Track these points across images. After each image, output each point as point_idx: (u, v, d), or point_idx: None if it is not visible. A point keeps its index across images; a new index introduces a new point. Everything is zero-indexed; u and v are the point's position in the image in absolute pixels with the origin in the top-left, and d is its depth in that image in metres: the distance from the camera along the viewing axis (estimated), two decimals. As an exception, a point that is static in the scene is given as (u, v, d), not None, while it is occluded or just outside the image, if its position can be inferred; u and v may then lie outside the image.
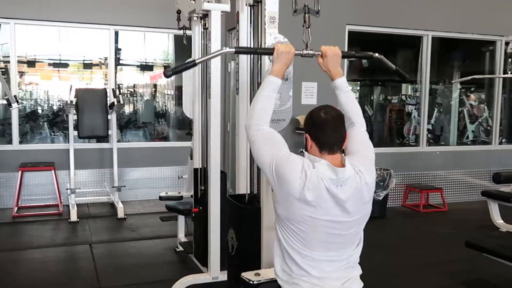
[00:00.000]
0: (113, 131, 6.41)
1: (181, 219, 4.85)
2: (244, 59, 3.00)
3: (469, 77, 6.28)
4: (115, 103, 6.08)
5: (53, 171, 6.25)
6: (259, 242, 2.77)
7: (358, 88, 10.08)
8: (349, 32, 6.62)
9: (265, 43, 2.64)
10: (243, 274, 2.38)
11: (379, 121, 9.70)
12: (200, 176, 4.13)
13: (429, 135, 7.97)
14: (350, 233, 2.00)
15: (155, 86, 11.80)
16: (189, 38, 4.33)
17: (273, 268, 2.47)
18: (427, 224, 6.18)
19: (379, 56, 2.52)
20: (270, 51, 2.25)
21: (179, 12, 4.24)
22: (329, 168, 1.92)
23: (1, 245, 4.98)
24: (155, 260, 4.64)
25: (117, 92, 6.17)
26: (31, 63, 8.67)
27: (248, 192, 3.26)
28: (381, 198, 6.08)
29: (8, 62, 6.66)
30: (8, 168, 6.35)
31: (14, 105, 5.23)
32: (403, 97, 9.87)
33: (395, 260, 4.72)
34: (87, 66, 10.59)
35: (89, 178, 6.77)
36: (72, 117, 6.22)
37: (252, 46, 2.97)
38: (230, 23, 3.59)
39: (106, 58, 9.20)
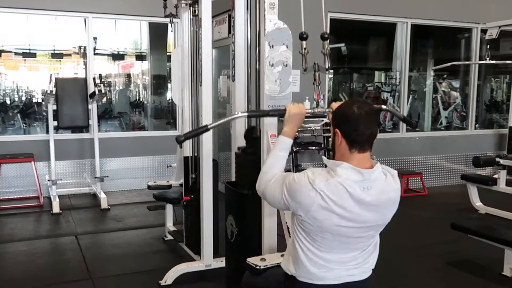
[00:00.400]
0: (94, 121, 6.30)
1: (169, 208, 4.82)
2: (242, 45, 2.98)
3: (449, 64, 6.42)
4: (96, 92, 5.96)
5: (32, 162, 6.12)
6: (260, 228, 2.78)
7: (335, 75, 10.15)
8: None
9: (264, 29, 2.63)
10: (248, 259, 2.39)
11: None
12: (191, 165, 4.10)
13: (405, 122, 8.11)
14: (367, 236, 1.98)
15: (128, 75, 11.64)
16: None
17: (277, 253, 2.50)
18: (409, 208, 6.29)
19: (387, 108, 2.55)
20: (281, 113, 2.26)
21: (165, -2, 4.18)
22: (352, 170, 1.85)
23: (-18, 239, 4.87)
24: (144, 249, 4.60)
25: (98, 81, 6.05)
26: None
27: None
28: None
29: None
30: (-15, 160, 6.19)
31: None
32: (379, 85, 10.00)
33: (379, 245, 4.80)
34: (57, 55, 10.36)
35: (69, 169, 6.65)
36: (51, 107, 6.07)
37: (249, 33, 2.96)
38: (214, 9, 3.55)
39: (80, 47, 9.04)
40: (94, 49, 7.51)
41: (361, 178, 1.85)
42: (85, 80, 6.44)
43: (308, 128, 5.86)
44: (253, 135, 2.94)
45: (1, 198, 6.15)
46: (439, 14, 7.36)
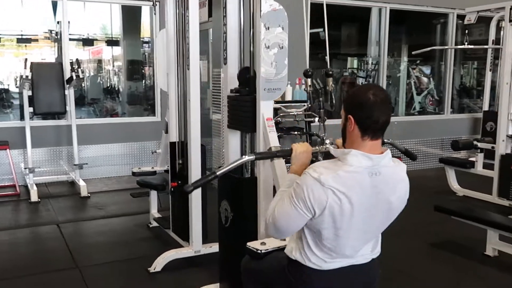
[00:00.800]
0: (72, 107, 6.14)
1: (153, 194, 4.75)
2: (234, 27, 2.93)
3: (429, 48, 6.49)
4: (74, 77, 5.80)
5: (8, 150, 5.94)
6: (256, 212, 2.76)
7: (313, 61, 10.13)
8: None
9: (260, 10, 2.58)
10: (248, 244, 2.36)
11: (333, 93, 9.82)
12: (178, 150, 4.04)
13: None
14: (381, 224, 1.97)
15: (100, 61, 11.39)
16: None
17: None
18: (389, 191, 6.39)
19: (389, 141, 2.58)
20: (288, 153, 2.25)
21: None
22: (362, 157, 1.82)
23: (-41, 229, 4.71)
24: (129, 237, 4.54)
25: (76, 66, 5.88)
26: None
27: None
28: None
29: None
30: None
31: None
32: (355, 70, 10.06)
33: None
34: (24, 40, 10.05)
35: (46, 156, 6.48)
36: (26, 93, 5.88)
37: (242, 16, 2.91)
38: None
39: (51, 32, 8.78)
40: (59, 34, 7.29)
41: (371, 164, 1.84)
42: (61, 65, 6.25)
43: (290, 113, 5.84)
44: (247, 76, 2.86)
45: (-25, 187, 5.96)
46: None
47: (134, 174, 4.68)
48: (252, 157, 2.38)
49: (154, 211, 4.78)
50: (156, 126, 6.84)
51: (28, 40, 10.14)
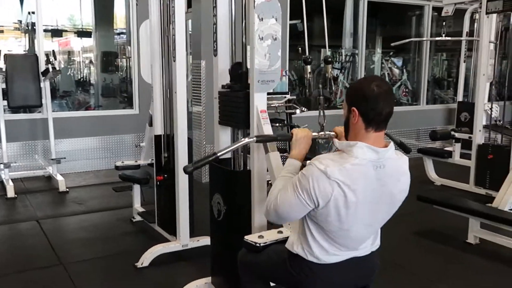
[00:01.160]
0: (48, 100, 5.97)
1: (137, 188, 4.68)
2: (225, 17, 2.89)
3: (407, 40, 6.56)
4: (50, 69, 5.64)
5: (-19, 145, 5.75)
6: (250, 205, 2.74)
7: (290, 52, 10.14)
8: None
9: (254, 1, 2.54)
10: (246, 237, 2.34)
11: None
12: (163, 143, 3.98)
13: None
14: (384, 216, 2.02)
15: (70, 53, 11.11)
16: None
17: (274, 230, 2.47)
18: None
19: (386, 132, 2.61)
20: (288, 137, 2.28)
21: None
22: (368, 149, 1.83)
23: None
24: (113, 232, 4.46)
25: (52, 58, 5.72)
26: None
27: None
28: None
29: None
30: None
31: None
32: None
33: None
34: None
35: (20, 151, 6.30)
36: (0, 86, 5.69)
37: (233, 7, 2.87)
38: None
39: (21, 22, 8.51)
40: (33, 24, 7.07)
41: (377, 157, 1.85)
42: (36, 56, 6.06)
43: (272, 105, 5.83)
44: (239, 71, 2.83)
45: None
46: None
47: (117, 168, 4.59)
48: (253, 139, 2.38)
49: (138, 205, 4.71)
50: (134, 119, 6.74)
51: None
